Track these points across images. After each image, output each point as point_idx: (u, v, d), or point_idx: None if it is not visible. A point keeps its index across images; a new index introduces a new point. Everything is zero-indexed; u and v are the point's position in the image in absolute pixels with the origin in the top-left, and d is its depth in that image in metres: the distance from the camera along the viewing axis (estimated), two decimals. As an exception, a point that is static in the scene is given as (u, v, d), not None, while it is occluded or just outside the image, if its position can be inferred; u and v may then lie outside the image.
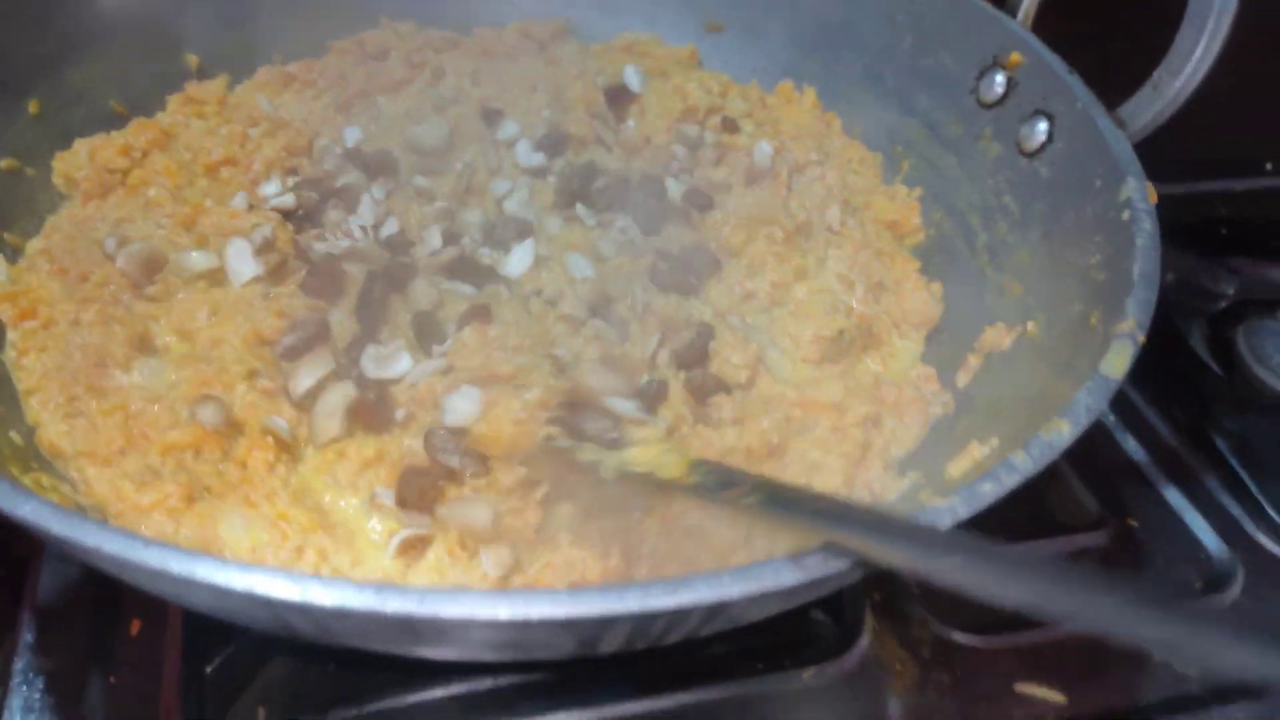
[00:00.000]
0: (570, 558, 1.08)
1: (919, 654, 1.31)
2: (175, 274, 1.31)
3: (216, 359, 1.21)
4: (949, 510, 0.86)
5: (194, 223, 1.39)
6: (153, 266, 1.31)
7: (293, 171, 1.50)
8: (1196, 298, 1.85)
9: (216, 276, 1.32)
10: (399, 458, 1.15)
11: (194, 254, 1.33)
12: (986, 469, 0.94)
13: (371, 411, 1.18)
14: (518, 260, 1.37)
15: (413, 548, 1.09)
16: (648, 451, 1.12)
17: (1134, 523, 1.48)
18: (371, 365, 1.21)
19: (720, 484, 1.04)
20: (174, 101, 1.59)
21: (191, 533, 1.06)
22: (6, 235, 1.34)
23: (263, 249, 1.32)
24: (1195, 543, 1.46)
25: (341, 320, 1.27)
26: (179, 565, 0.75)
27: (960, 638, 1.30)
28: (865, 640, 1.28)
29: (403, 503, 1.10)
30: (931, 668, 1.30)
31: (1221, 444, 1.57)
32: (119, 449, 1.11)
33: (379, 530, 1.11)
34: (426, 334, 1.25)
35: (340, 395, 1.17)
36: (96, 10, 1.52)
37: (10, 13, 1.40)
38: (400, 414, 1.19)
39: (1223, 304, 1.78)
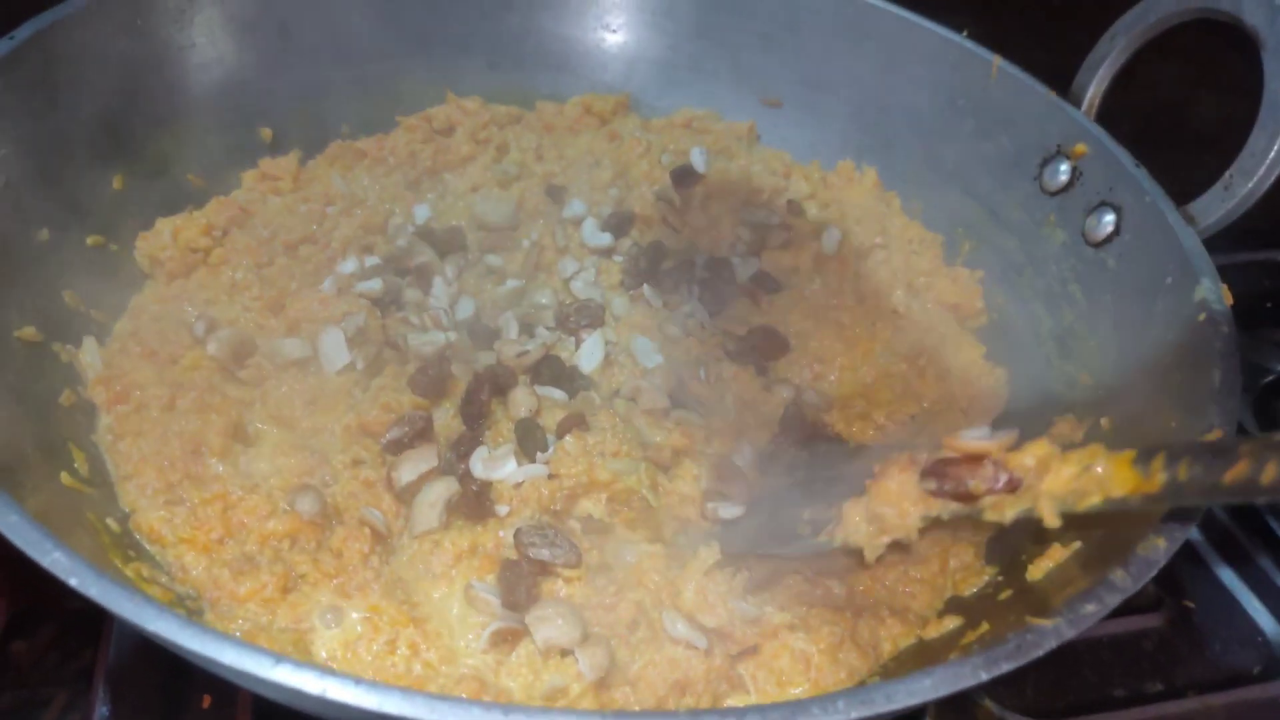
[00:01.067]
0: (674, 656, 1.08)
1: (984, 741, 1.32)
2: (267, 359, 1.34)
3: (317, 448, 1.24)
4: (1054, 632, 0.87)
5: (281, 307, 1.41)
6: (243, 352, 1.34)
7: (369, 249, 1.53)
8: (1244, 372, 1.85)
9: (307, 364, 1.34)
10: (493, 549, 1.17)
11: (286, 342, 1.35)
12: (1075, 580, 0.95)
13: (473, 504, 1.21)
14: (589, 354, 1.40)
15: (505, 641, 1.10)
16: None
17: (1190, 604, 1.50)
18: (480, 466, 1.24)
19: None
20: (249, 178, 1.62)
21: (285, 623, 1.08)
22: (94, 313, 1.37)
23: (356, 339, 1.35)
24: (1252, 624, 1.48)
25: (445, 419, 1.30)
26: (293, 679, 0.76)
27: (1027, 725, 1.31)
28: (927, 726, 1.29)
29: (506, 599, 1.11)
30: (999, 755, 1.31)
31: (1275, 524, 1.58)
32: (218, 537, 1.13)
33: (471, 624, 1.12)
34: (529, 441, 1.28)
35: (443, 489, 1.20)
36: (179, 86, 1.55)
37: (98, 89, 1.43)
38: (503, 510, 1.21)
39: (1269, 378, 1.79)
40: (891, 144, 1.74)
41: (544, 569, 1.15)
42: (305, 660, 0.99)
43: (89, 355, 1.31)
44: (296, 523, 1.15)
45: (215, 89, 1.60)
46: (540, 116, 1.80)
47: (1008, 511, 1.00)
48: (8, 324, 1.22)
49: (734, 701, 1.09)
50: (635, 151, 1.72)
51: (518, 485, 1.22)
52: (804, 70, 1.79)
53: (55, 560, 0.82)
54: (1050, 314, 1.48)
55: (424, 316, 1.41)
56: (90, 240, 1.41)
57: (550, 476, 1.22)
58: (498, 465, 1.22)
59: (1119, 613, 1.40)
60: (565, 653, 1.09)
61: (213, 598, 1.09)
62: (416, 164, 1.67)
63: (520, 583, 1.12)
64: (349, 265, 1.47)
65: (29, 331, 1.24)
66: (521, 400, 1.30)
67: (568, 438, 1.24)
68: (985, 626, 1.08)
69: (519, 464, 1.23)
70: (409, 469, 1.20)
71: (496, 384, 1.33)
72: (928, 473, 1.04)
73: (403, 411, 1.26)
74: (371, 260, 1.49)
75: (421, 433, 1.25)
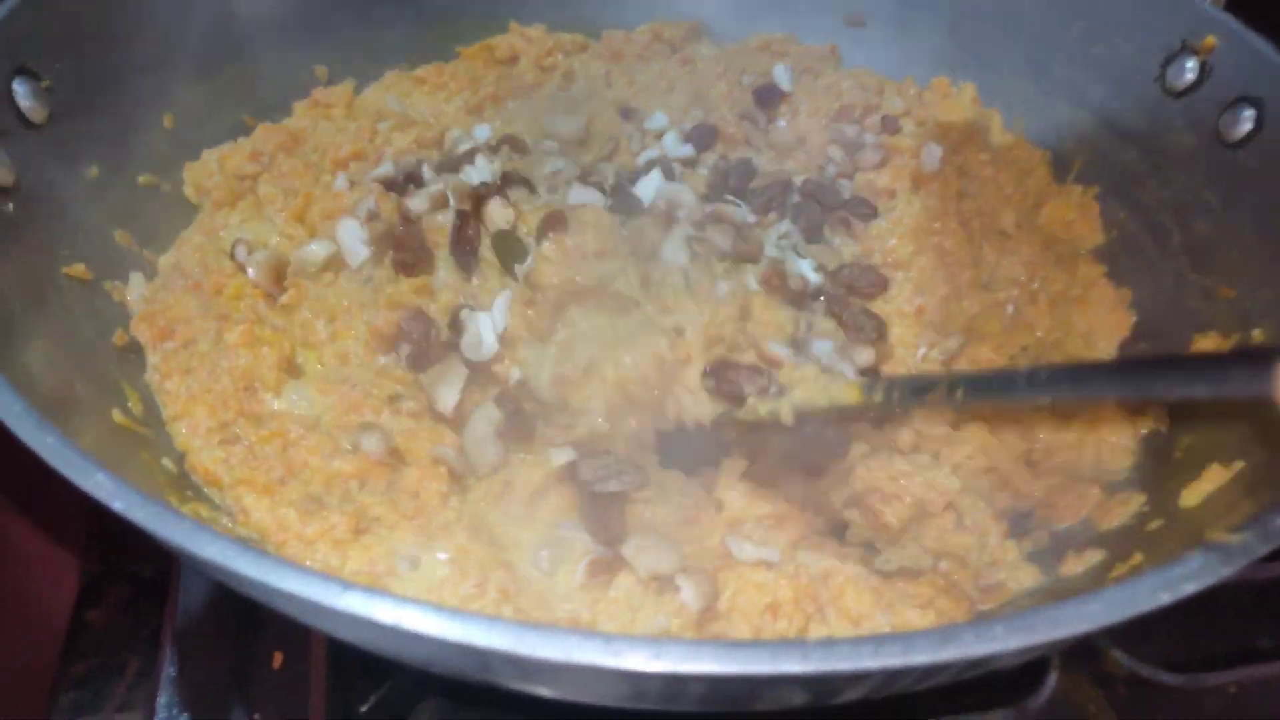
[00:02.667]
0: (758, 580, 1.01)
1: (1114, 693, 1.19)
2: (301, 274, 1.26)
3: (355, 379, 1.16)
4: (1242, 550, 0.75)
5: (305, 213, 1.34)
6: (279, 271, 1.26)
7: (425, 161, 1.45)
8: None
9: (338, 266, 1.26)
10: (567, 478, 1.08)
11: (311, 246, 1.27)
12: (1238, 505, 0.83)
13: (516, 424, 1.13)
14: (646, 186, 1.30)
15: (602, 571, 1.01)
16: (813, 387, 1.12)
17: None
18: (471, 353, 1.17)
19: (913, 391, 1.06)
20: (301, 107, 1.54)
21: (359, 566, 0.98)
22: (145, 252, 1.29)
23: (369, 220, 1.27)
24: None
25: (445, 281, 1.22)
26: (388, 613, 0.66)
27: (1161, 677, 1.18)
28: (1053, 679, 1.16)
29: (599, 535, 1.04)
30: (1130, 708, 1.18)
31: None
32: (279, 477, 1.05)
33: (564, 562, 1.03)
34: (506, 253, 1.19)
35: (485, 421, 1.12)
36: (230, 24, 1.47)
37: (146, 27, 1.35)
38: (513, 374, 1.15)
39: None
40: (990, 58, 1.59)
41: (622, 497, 1.07)
42: None
43: (135, 292, 1.25)
44: (364, 463, 1.06)
45: (269, 25, 1.52)
46: (607, 44, 1.70)
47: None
48: (57, 260, 1.15)
49: (819, 628, 1.00)
50: (712, 73, 1.60)
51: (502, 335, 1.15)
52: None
53: (98, 483, 0.74)
54: (1180, 226, 1.33)
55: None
56: (142, 179, 1.34)
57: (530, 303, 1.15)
58: (478, 346, 1.15)
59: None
60: (664, 585, 1.00)
61: (278, 540, 1.00)
62: (478, 90, 1.58)
63: (608, 514, 1.04)
64: (385, 168, 1.40)
65: (79, 269, 1.18)
66: (496, 213, 1.21)
67: (546, 242, 1.15)
68: (1138, 558, 0.95)
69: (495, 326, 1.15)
70: (446, 389, 1.13)
71: (477, 209, 1.23)
72: (709, 372, 1.15)
73: (404, 305, 1.19)
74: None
75: (426, 334, 1.17)
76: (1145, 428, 1.19)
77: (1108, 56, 1.45)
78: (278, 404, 1.13)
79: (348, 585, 0.68)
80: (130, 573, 1.56)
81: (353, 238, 1.27)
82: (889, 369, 1.26)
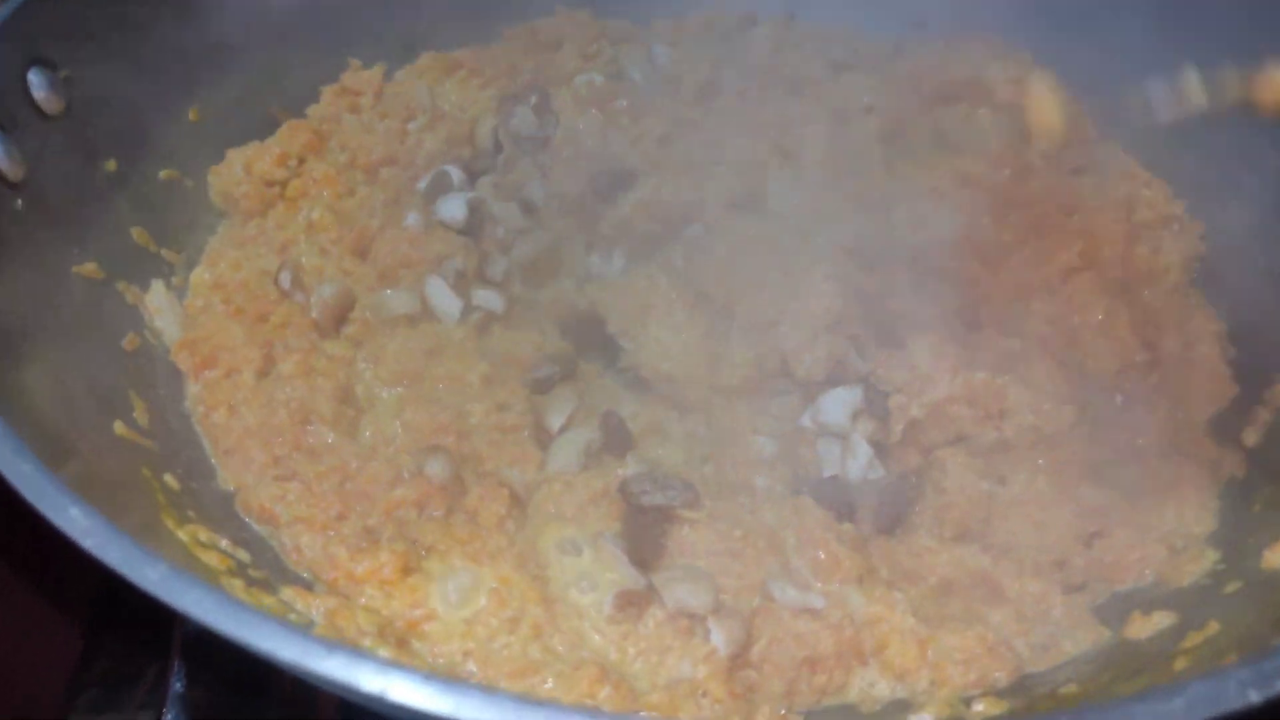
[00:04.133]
0: (798, 630, 0.94)
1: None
2: (371, 313, 1.22)
3: (449, 401, 1.12)
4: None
5: (366, 249, 1.28)
6: (343, 310, 1.21)
7: (456, 163, 1.40)
8: None
9: (416, 316, 1.22)
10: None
11: (391, 295, 1.23)
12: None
13: (614, 441, 1.12)
14: None
15: (632, 604, 0.95)
16: None
17: None
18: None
19: None
20: (328, 93, 1.47)
21: (401, 609, 0.94)
22: (164, 251, 1.24)
23: (458, 284, 1.24)
24: None
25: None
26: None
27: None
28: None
29: (634, 554, 0.98)
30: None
31: None
32: (337, 514, 1.01)
33: (599, 585, 0.97)
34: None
35: (587, 433, 1.12)
36: (260, 8, 1.41)
37: (171, 15, 1.30)
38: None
39: None
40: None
41: (665, 515, 1.01)
42: (404, 648, 0.89)
43: (157, 299, 1.20)
44: (425, 488, 1.02)
45: (300, 9, 1.46)
46: (657, 33, 1.61)
47: None
48: (67, 259, 1.11)
49: (859, 682, 0.94)
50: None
51: None
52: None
53: (71, 519, 0.68)
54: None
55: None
56: (163, 174, 1.29)
57: None
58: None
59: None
60: (696, 624, 0.94)
61: (329, 578, 0.96)
62: (516, 77, 1.51)
63: (647, 533, 0.99)
64: (423, 183, 1.36)
65: (90, 268, 1.13)
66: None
67: None
68: (1215, 627, 0.86)
69: None
70: (557, 412, 1.13)
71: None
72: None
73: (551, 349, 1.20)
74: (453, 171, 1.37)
75: (568, 373, 1.18)
76: (1223, 476, 1.09)
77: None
78: (333, 436, 1.08)
79: (331, 647, 0.61)
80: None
81: (444, 298, 1.23)
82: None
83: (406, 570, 0.96)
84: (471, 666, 0.90)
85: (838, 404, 1.13)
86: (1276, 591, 0.89)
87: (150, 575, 0.66)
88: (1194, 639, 0.87)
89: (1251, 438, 1.11)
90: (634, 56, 1.56)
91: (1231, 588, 0.93)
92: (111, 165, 1.21)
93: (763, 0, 1.66)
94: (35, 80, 1.12)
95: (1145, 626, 0.94)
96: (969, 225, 1.26)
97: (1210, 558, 1.00)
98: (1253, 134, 1.26)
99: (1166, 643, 0.90)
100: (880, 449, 1.12)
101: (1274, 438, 1.09)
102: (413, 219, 1.30)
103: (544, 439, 1.12)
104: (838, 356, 1.15)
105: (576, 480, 1.05)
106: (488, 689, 0.59)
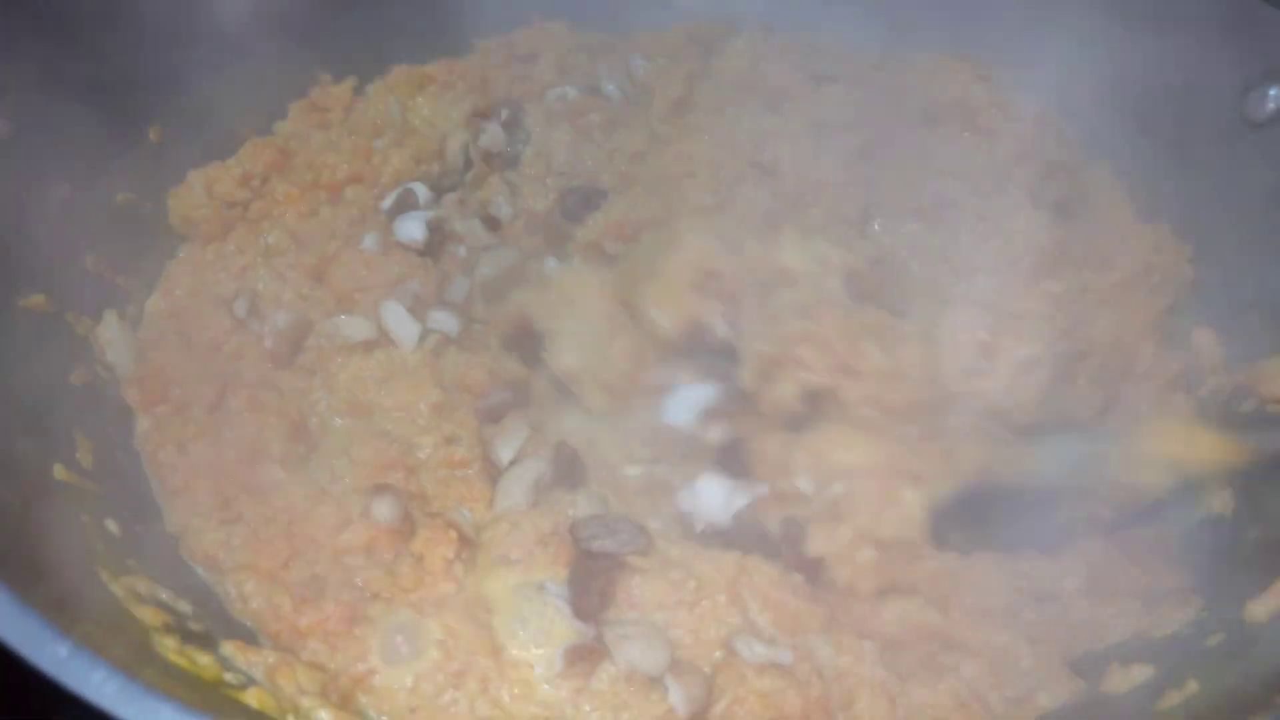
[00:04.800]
0: (764, 688, 0.90)
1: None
2: (326, 340, 1.18)
3: (399, 433, 1.09)
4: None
5: (324, 274, 1.24)
6: (298, 338, 1.18)
7: (423, 180, 1.38)
8: None
9: (373, 342, 1.19)
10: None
11: (346, 321, 1.20)
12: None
13: (564, 473, 1.08)
14: None
15: (583, 659, 0.92)
16: None
17: None
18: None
19: None
20: (297, 109, 1.43)
21: (345, 663, 0.91)
22: (120, 280, 1.21)
23: (415, 307, 1.20)
24: None
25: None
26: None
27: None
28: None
29: (578, 605, 0.94)
30: None
31: None
32: (283, 561, 0.98)
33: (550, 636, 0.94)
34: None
35: (535, 468, 1.07)
36: (225, 26, 1.36)
37: (129, 24, 1.26)
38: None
39: None
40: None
41: (615, 562, 0.97)
42: (346, 706, 0.87)
43: (109, 331, 1.16)
44: (373, 531, 0.99)
45: (268, 22, 1.39)
46: (637, 45, 1.56)
47: None
48: (12, 290, 1.07)
49: None
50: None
51: None
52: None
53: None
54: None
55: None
56: (120, 198, 1.25)
57: None
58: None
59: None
60: (652, 681, 0.90)
61: (273, 630, 0.94)
62: (489, 91, 1.47)
63: (592, 582, 0.95)
64: (387, 201, 1.33)
65: (38, 300, 1.09)
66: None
67: None
68: (1193, 686, 0.82)
69: None
70: (507, 444, 1.09)
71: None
72: None
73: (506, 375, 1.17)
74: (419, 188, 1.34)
75: (520, 400, 1.15)
76: (1206, 508, 1.04)
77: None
78: (284, 473, 1.05)
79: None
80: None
81: (402, 323, 1.19)
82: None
83: (352, 621, 0.93)
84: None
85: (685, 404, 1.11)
86: (1257, 646, 0.84)
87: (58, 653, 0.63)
88: (1172, 698, 0.83)
89: (1236, 475, 1.06)
90: (610, 70, 1.51)
91: (1214, 640, 0.89)
92: (64, 189, 1.16)
93: (745, 8, 1.62)
94: (-17, 104, 1.08)
95: (1124, 680, 0.90)
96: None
97: (1194, 604, 0.95)
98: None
99: (1144, 699, 0.86)
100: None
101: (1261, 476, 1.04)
102: (370, 240, 1.27)
103: (494, 473, 1.09)
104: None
105: (524, 520, 1.02)
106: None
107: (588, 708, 0.91)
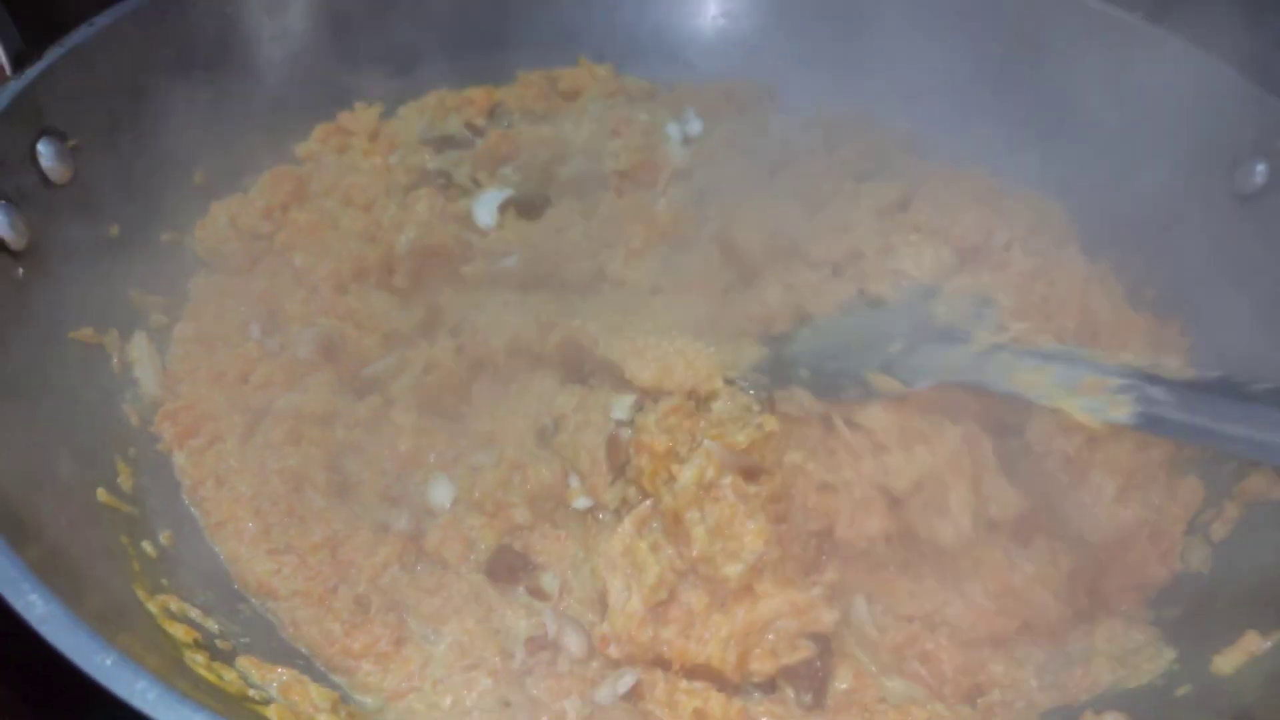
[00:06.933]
0: None
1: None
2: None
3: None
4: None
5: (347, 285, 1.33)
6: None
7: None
8: None
9: None
10: None
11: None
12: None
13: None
14: None
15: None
16: None
17: None
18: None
19: None
20: (319, 132, 1.51)
21: (397, 682, 0.99)
22: (155, 316, 1.27)
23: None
24: None
25: None
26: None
27: None
28: None
29: None
30: None
31: None
32: (332, 586, 1.04)
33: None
34: None
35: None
36: (263, 64, 1.47)
37: (182, 83, 1.35)
38: None
39: None
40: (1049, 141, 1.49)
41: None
42: None
43: (139, 350, 1.22)
44: (398, 543, 1.08)
45: (303, 57, 1.51)
46: (677, 97, 1.63)
47: None
48: (64, 324, 1.14)
49: None
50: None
51: None
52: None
53: (30, 604, 0.71)
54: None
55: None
56: (165, 236, 1.33)
57: None
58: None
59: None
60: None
61: (326, 655, 1.00)
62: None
63: None
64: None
65: (87, 332, 1.16)
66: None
67: None
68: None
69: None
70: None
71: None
72: None
73: None
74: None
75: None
76: (1183, 565, 1.09)
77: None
78: (323, 502, 1.11)
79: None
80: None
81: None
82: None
83: (399, 641, 1.00)
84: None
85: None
86: (1221, 699, 0.89)
87: (105, 663, 0.69)
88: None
89: (1219, 532, 1.11)
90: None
91: (1182, 691, 0.93)
92: (115, 230, 1.24)
93: (789, 72, 1.67)
94: (44, 150, 1.15)
95: (1098, 729, 0.94)
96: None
97: (1166, 657, 1.00)
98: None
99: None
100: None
101: (1241, 539, 1.09)
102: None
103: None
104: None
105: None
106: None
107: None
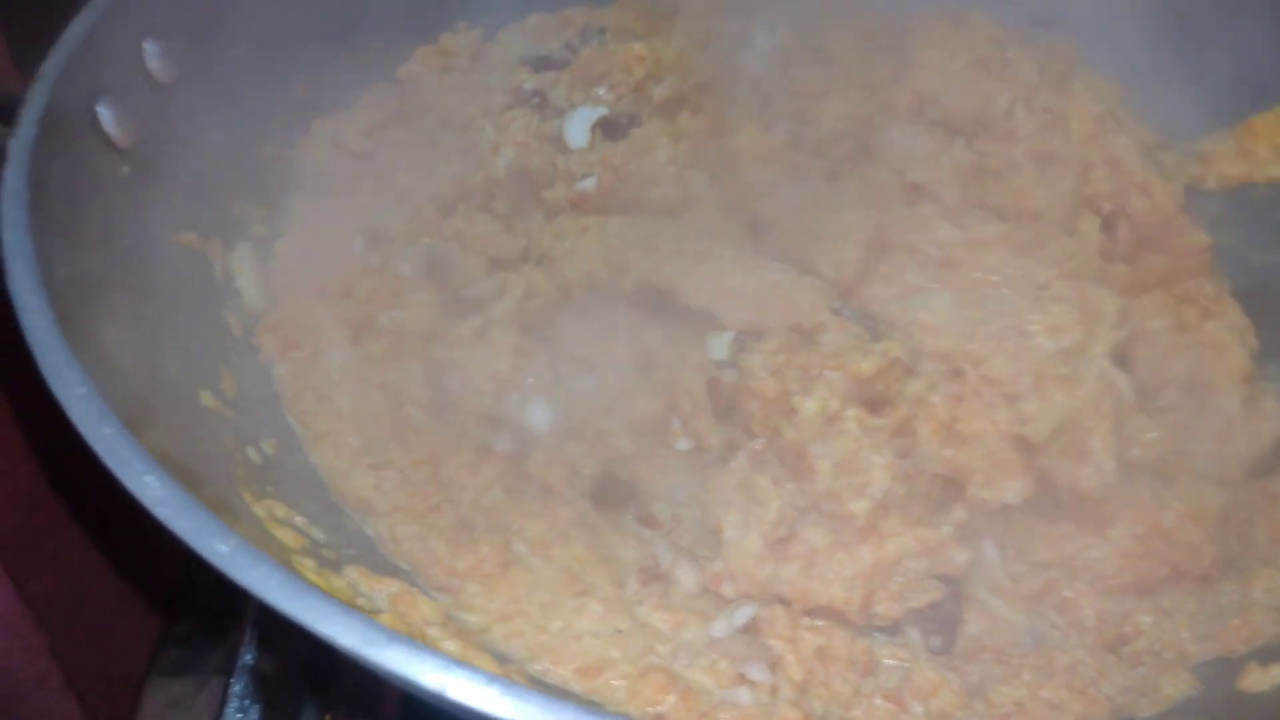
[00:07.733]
0: None
1: None
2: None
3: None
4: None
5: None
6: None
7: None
8: None
9: None
10: None
11: None
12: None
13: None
14: None
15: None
16: None
17: None
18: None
19: None
20: (420, 53, 1.47)
21: (504, 604, 0.94)
22: (257, 226, 1.25)
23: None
24: None
25: None
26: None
27: None
28: None
29: None
30: None
31: None
32: (435, 504, 1.01)
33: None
34: None
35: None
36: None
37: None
38: None
39: None
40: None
41: None
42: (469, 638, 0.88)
43: (241, 261, 1.20)
44: (501, 463, 1.05)
45: None
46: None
47: None
48: (168, 227, 1.11)
49: None
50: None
51: None
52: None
53: (147, 486, 0.67)
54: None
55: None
56: (267, 149, 1.30)
57: None
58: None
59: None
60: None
61: (430, 574, 0.97)
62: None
63: None
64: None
65: (189, 237, 1.14)
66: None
67: None
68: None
69: None
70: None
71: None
72: None
73: None
74: None
75: None
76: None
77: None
78: (425, 418, 1.09)
79: (393, 638, 0.60)
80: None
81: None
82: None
83: (506, 563, 0.96)
84: (543, 662, 0.90)
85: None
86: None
87: (220, 549, 0.65)
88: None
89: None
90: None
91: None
92: (218, 137, 1.21)
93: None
94: (150, 49, 1.12)
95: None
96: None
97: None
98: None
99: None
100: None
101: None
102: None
103: None
104: None
105: None
106: (549, 697, 0.57)
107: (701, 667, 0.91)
